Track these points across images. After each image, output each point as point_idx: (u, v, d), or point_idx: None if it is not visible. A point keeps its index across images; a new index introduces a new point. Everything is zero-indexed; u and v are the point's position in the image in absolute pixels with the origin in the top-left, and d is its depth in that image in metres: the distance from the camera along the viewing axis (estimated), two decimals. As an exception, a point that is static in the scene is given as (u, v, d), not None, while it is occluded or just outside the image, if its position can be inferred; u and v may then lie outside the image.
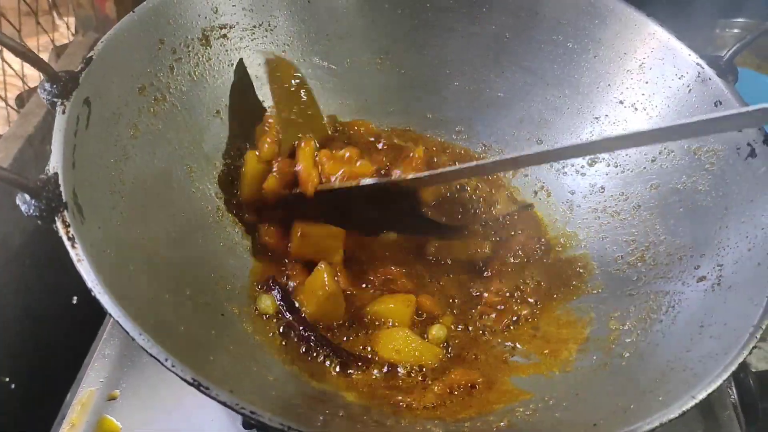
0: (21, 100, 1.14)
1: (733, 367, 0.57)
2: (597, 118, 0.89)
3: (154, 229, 0.71)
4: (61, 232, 0.56)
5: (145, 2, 0.76)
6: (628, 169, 0.86)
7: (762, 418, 0.84)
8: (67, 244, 0.56)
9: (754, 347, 1.14)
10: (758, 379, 0.85)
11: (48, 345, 0.98)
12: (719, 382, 0.57)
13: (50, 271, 0.97)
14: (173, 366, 0.51)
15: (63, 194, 0.57)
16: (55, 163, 0.59)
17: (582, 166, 0.90)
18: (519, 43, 0.92)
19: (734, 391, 0.84)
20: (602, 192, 0.88)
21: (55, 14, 1.35)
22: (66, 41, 1.30)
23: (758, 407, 0.84)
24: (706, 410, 0.80)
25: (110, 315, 0.53)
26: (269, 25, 0.88)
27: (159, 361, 0.51)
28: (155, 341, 0.52)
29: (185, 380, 0.51)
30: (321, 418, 0.62)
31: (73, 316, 0.93)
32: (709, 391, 0.56)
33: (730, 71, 0.79)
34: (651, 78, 0.84)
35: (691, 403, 0.55)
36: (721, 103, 0.77)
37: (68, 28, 1.32)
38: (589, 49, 0.88)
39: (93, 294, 0.54)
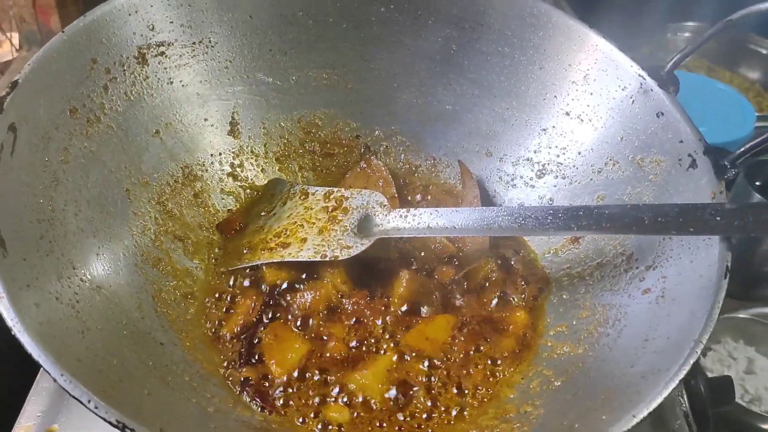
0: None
1: (674, 384, 0.57)
2: (544, 129, 0.89)
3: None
4: (-20, 267, 0.54)
5: (75, 21, 0.74)
6: (576, 181, 0.86)
7: (713, 424, 0.84)
8: (-14, 280, 0.54)
9: (708, 350, 1.16)
10: (709, 386, 0.85)
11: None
12: (660, 399, 0.56)
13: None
14: (96, 408, 0.49)
15: (-18, 228, 0.55)
16: (-26, 195, 0.57)
17: (531, 178, 0.90)
18: (465, 55, 0.91)
19: (685, 399, 0.84)
20: (551, 204, 0.88)
21: (-3, 30, 1.31)
22: (10, 57, 1.27)
23: (709, 414, 0.84)
24: (656, 421, 0.80)
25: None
26: (210, 42, 0.86)
27: (82, 402, 0.49)
28: (79, 380, 0.50)
29: (110, 422, 0.49)
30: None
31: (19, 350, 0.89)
32: (650, 409, 0.56)
33: (672, 82, 0.79)
34: (595, 89, 0.84)
35: (633, 422, 0.55)
36: (663, 114, 0.77)
37: (12, 44, 1.29)
38: (535, 61, 0.87)
39: (12, 333, 0.52)
